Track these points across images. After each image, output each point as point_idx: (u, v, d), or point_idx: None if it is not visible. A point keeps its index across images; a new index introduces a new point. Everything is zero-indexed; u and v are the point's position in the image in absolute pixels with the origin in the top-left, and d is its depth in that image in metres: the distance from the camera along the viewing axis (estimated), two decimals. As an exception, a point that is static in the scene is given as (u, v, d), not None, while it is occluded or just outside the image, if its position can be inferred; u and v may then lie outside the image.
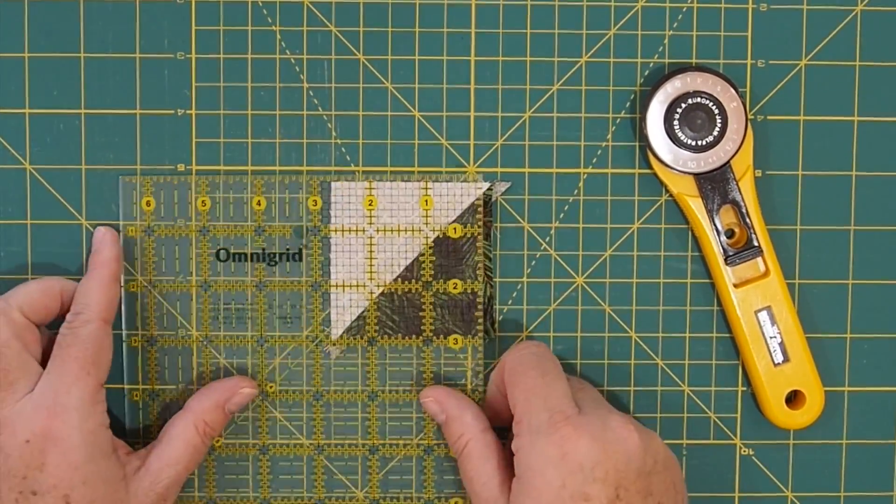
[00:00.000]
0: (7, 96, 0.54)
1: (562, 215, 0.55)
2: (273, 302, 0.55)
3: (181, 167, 0.55)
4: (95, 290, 0.52)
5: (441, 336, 0.55)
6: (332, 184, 0.54)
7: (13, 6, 0.54)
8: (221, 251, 0.55)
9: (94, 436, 0.50)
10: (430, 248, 0.55)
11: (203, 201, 0.55)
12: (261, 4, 0.54)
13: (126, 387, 0.55)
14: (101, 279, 0.52)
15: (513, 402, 0.50)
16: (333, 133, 0.55)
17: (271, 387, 0.55)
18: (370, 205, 0.54)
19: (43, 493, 0.49)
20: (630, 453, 0.48)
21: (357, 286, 0.55)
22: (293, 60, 0.55)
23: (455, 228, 0.55)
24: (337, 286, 0.55)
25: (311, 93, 0.55)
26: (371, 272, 0.55)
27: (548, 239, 0.55)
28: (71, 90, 0.54)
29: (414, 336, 0.55)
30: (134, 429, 0.55)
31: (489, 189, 0.55)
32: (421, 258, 0.55)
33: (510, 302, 0.55)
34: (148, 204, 0.54)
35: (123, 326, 0.55)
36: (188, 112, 0.55)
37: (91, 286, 0.52)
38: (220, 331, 0.55)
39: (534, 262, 0.55)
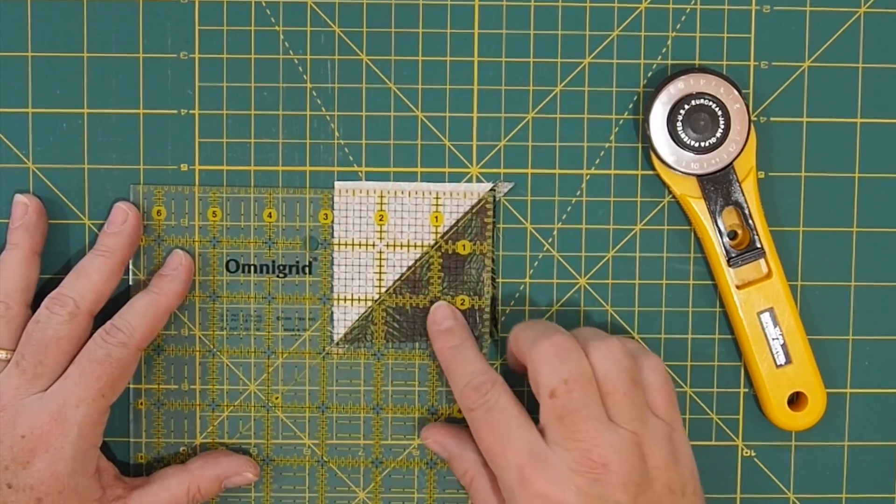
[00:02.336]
0: (10, 96, 0.54)
1: (564, 216, 0.55)
2: (281, 313, 0.55)
3: (184, 167, 0.55)
4: (147, 318, 0.52)
5: None
6: (336, 185, 0.54)
7: (16, 6, 0.54)
8: (231, 262, 0.55)
9: (84, 454, 0.50)
10: (438, 263, 0.55)
11: (214, 212, 0.54)
12: (264, 4, 0.54)
13: (132, 387, 0.55)
14: (156, 308, 0.52)
15: (484, 452, 0.50)
16: (336, 133, 0.55)
17: (276, 397, 0.55)
18: (381, 220, 0.55)
19: (17, 489, 0.49)
20: (608, 484, 0.47)
21: (365, 300, 0.55)
22: (296, 61, 0.55)
23: (464, 245, 0.55)
24: (345, 299, 0.55)
25: (314, 93, 0.55)
26: (380, 286, 0.55)
27: (550, 240, 0.55)
28: (74, 90, 0.54)
29: (420, 350, 0.55)
30: (137, 436, 0.55)
31: (492, 190, 0.55)
32: (429, 273, 0.55)
33: (512, 303, 0.55)
34: (158, 213, 0.54)
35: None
36: (191, 112, 0.55)
37: (144, 310, 0.52)
38: (227, 341, 0.55)
39: (536, 263, 0.55)
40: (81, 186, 0.55)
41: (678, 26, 0.55)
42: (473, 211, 0.55)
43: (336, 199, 0.54)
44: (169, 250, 0.54)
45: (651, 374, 0.50)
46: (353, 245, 0.55)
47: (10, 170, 0.54)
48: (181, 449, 0.55)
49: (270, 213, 0.55)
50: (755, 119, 0.55)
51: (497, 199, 0.55)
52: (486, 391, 0.50)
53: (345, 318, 0.55)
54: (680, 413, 0.51)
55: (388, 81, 0.55)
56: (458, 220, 0.55)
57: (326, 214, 0.55)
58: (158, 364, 0.55)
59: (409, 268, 0.55)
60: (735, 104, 0.53)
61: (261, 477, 0.55)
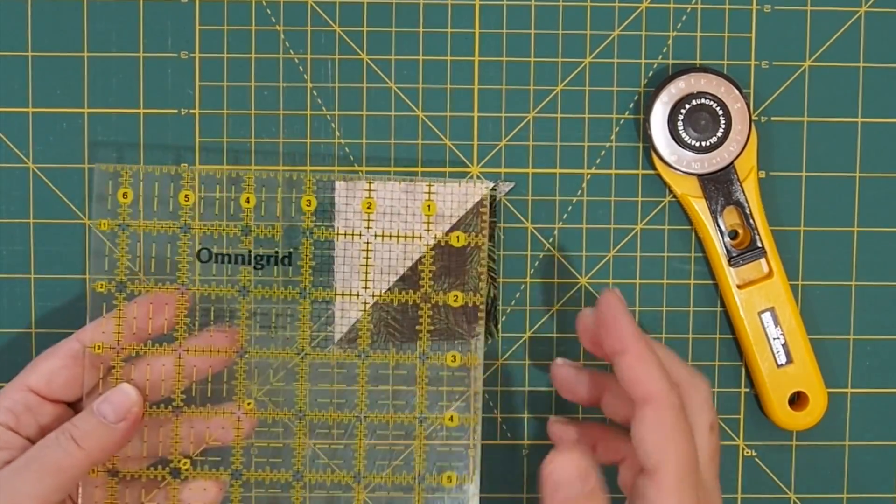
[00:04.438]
0: (10, 95, 0.54)
1: (565, 216, 0.55)
2: (257, 309, 0.51)
3: (184, 167, 0.54)
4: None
5: (438, 352, 0.52)
6: (336, 184, 0.52)
7: (17, 5, 0.54)
8: (203, 251, 0.51)
9: None
10: (430, 256, 0.52)
11: (186, 195, 0.51)
12: (264, 4, 0.54)
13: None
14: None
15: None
16: (337, 133, 0.55)
17: (249, 403, 0.51)
18: (368, 207, 0.51)
19: None
20: None
21: (350, 295, 0.52)
22: (297, 60, 0.55)
23: (458, 237, 0.52)
24: (328, 294, 0.52)
25: (314, 92, 0.55)
26: (366, 280, 0.52)
27: (551, 239, 0.55)
28: (74, 89, 0.54)
29: (409, 352, 0.52)
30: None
31: (493, 189, 0.55)
32: (420, 267, 0.52)
33: (513, 302, 0.55)
34: (124, 196, 0.51)
35: (89, 330, 0.50)
36: (191, 111, 0.55)
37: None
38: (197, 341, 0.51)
39: (537, 263, 0.55)
40: (81, 186, 0.54)
41: (679, 26, 0.55)
42: (470, 202, 0.53)
43: (320, 185, 0.51)
44: (135, 237, 0.51)
45: None
46: (337, 235, 0.51)
47: (10, 170, 0.54)
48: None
49: (248, 199, 0.51)
50: (756, 119, 0.55)
51: (498, 198, 0.55)
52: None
53: (327, 313, 0.52)
54: None
55: (388, 81, 0.55)
56: (452, 211, 0.52)
57: (309, 201, 0.51)
58: (119, 369, 0.50)
59: (399, 260, 0.52)
60: (736, 104, 0.53)
61: (227, 491, 0.52)
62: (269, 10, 0.54)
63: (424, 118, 0.55)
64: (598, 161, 0.55)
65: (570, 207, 0.55)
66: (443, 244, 0.52)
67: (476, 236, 0.52)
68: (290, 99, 0.55)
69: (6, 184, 0.54)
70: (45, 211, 0.54)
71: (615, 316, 0.46)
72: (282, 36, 0.54)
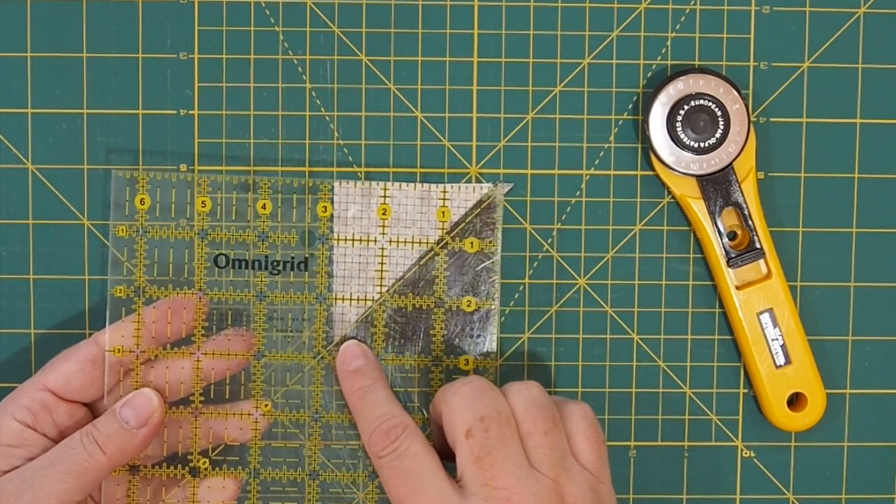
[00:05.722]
0: (9, 96, 0.54)
1: (564, 217, 0.55)
2: (274, 314, 0.52)
3: (183, 168, 0.54)
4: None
5: (451, 356, 0.53)
6: (335, 186, 0.53)
7: (16, 6, 0.54)
8: (220, 256, 0.52)
9: None
10: (444, 261, 0.53)
11: (203, 202, 0.52)
12: (263, 5, 0.54)
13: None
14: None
15: None
16: (336, 134, 0.55)
17: (266, 405, 0.52)
18: (384, 214, 0.52)
19: None
20: None
21: (365, 299, 0.53)
22: (296, 61, 0.55)
23: (472, 243, 0.53)
24: (344, 298, 0.52)
25: (313, 93, 0.55)
26: (381, 285, 0.53)
27: (550, 240, 0.55)
28: (73, 90, 0.54)
29: (423, 355, 0.53)
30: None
31: (491, 190, 0.55)
32: (434, 272, 0.53)
33: (512, 303, 0.55)
34: (142, 202, 0.52)
35: (108, 334, 0.51)
36: (191, 112, 0.55)
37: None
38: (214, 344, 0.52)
39: (536, 264, 0.55)
40: (81, 187, 0.55)
41: (678, 27, 0.55)
42: (483, 207, 0.53)
43: (336, 190, 0.53)
44: (153, 243, 0.52)
45: (579, 420, 0.48)
46: (353, 241, 0.53)
47: (10, 170, 0.54)
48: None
49: (265, 205, 0.52)
50: (755, 119, 0.55)
51: (497, 199, 0.55)
52: (395, 436, 0.47)
53: (343, 318, 0.53)
54: (608, 467, 0.48)
55: (387, 82, 0.55)
56: (466, 216, 0.53)
57: (325, 207, 0.52)
58: (137, 369, 0.51)
59: (412, 266, 0.53)
60: (735, 105, 0.53)
61: (247, 489, 0.53)
62: (268, 11, 0.54)
63: (423, 119, 0.55)
64: (596, 162, 0.55)
65: (568, 208, 0.55)
66: (457, 250, 0.53)
67: (490, 242, 0.53)
68: (289, 100, 0.55)
69: (5, 185, 0.54)
70: (45, 212, 0.54)
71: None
72: (281, 37, 0.54)
